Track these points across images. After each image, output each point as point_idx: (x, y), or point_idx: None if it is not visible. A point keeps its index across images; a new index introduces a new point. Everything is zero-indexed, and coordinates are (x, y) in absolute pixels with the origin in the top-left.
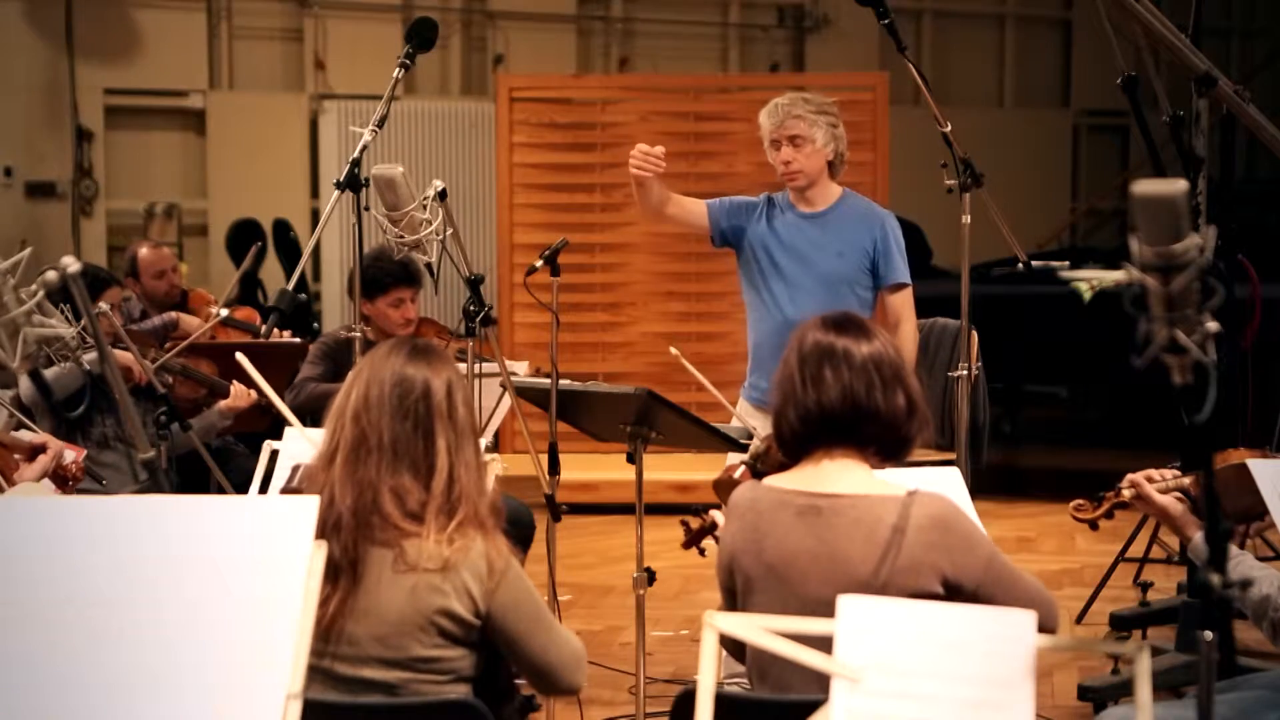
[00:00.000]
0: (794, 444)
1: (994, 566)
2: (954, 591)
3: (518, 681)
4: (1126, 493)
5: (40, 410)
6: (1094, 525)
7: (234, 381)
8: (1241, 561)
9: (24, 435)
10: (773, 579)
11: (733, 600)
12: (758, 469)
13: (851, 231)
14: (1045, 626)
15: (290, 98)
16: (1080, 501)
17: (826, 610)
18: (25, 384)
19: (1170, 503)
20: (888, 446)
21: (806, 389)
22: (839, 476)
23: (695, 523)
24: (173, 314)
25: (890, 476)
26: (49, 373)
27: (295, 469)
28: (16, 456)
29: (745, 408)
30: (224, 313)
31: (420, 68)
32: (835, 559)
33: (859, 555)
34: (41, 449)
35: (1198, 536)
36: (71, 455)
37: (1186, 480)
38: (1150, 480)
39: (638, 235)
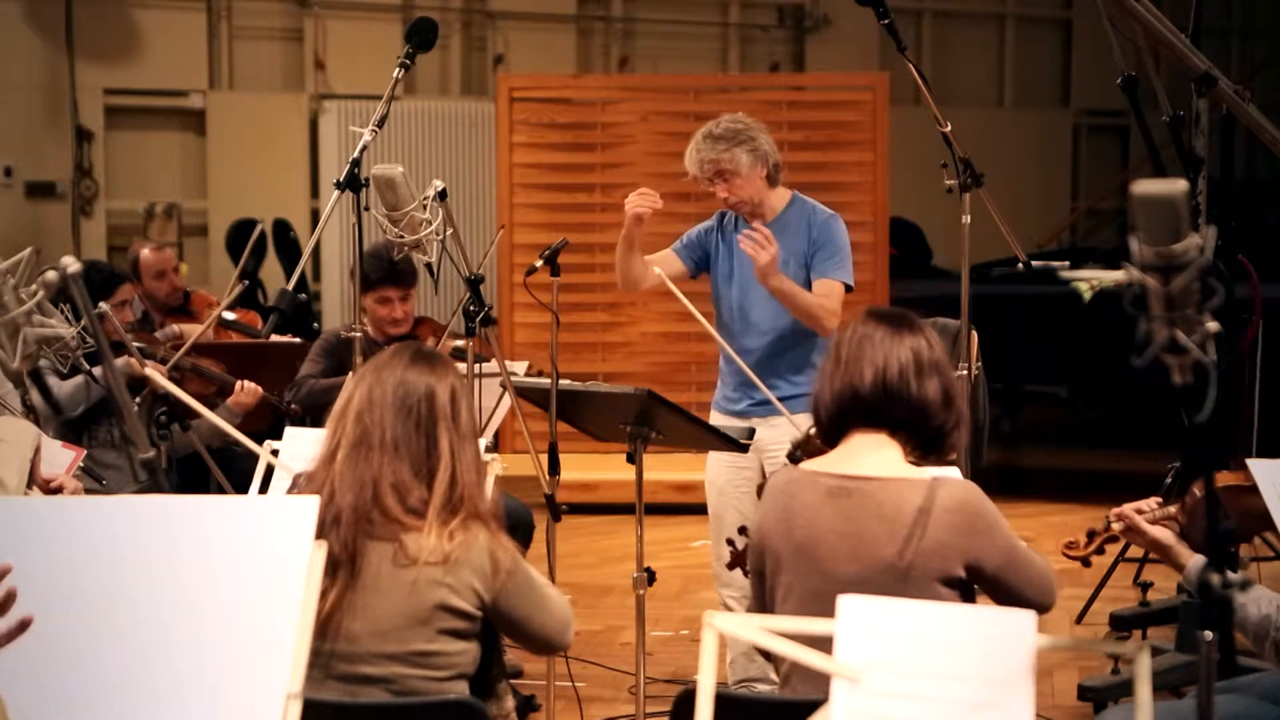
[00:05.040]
0: (829, 426)
1: (1014, 551)
2: (975, 575)
3: (516, 681)
4: (1116, 527)
5: (44, 413)
6: (1086, 562)
7: (240, 380)
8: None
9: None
10: (801, 558)
11: (761, 582)
12: (798, 457)
13: (794, 238)
14: (1045, 607)
15: (290, 98)
16: (1071, 540)
17: (852, 590)
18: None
19: (1162, 533)
20: (922, 437)
21: (840, 372)
22: (870, 458)
23: (741, 542)
24: (173, 327)
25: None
26: (63, 389)
27: (296, 478)
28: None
29: (716, 417)
30: (230, 316)
31: (420, 68)
32: (861, 539)
33: (884, 536)
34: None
35: (1191, 563)
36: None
37: (1172, 509)
38: (1139, 512)
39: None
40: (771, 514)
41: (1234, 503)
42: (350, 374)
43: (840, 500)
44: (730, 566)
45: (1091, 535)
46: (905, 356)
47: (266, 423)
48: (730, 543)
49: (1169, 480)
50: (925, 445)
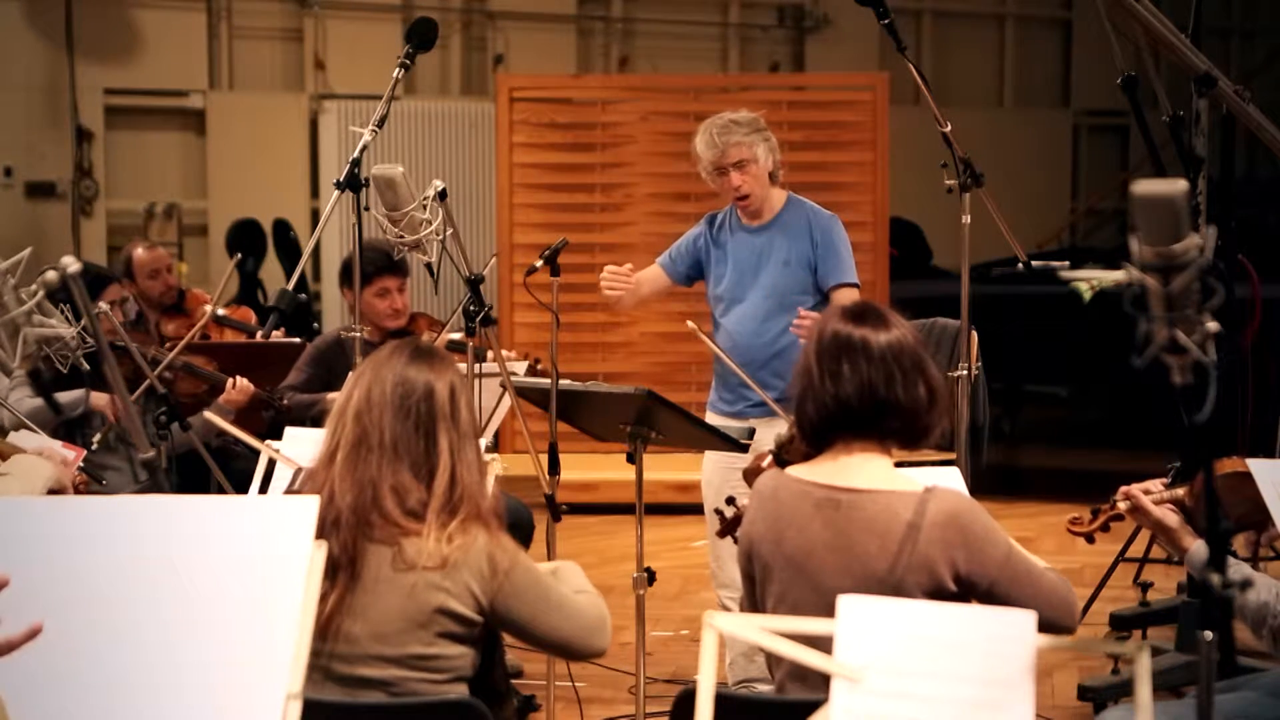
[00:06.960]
0: (813, 435)
1: (1010, 564)
2: (968, 589)
3: (516, 681)
4: (1122, 505)
5: (44, 413)
6: (1090, 539)
7: (232, 378)
8: (1239, 568)
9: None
10: (791, 569)
11: (752, 585)
12: (783, 457)
13: (795, 238)
14: (1063, 626)
15: (290, 98)
16: (1076, 515)
17: None
18: (24, 394)
19: (1166, 514)
20: (908, 436)
21: (824, 382)
22: (859, 470)
23: (730, 511)
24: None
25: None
26: (62, 398)
27: (297, 472)
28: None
29: (712, 417)
30: (221, 312)
31: (420, 68)
32: (852, 553)
33: (875, 550)
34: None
35: (1194, 547)
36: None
37: (1180, 492)
38: (1147, 492)
39: (637, 235)
40: (761, 521)
41: (1240, 490)
42: (345, 380)
43: (829, 512)
44: (721, 534)
45: (1096, 512)
46: (889, 363)
47: (264, 424)
48: (719, 512)
49: (1169, 480)
50: (910, 441)
